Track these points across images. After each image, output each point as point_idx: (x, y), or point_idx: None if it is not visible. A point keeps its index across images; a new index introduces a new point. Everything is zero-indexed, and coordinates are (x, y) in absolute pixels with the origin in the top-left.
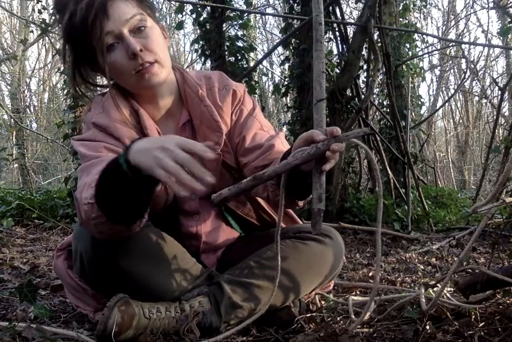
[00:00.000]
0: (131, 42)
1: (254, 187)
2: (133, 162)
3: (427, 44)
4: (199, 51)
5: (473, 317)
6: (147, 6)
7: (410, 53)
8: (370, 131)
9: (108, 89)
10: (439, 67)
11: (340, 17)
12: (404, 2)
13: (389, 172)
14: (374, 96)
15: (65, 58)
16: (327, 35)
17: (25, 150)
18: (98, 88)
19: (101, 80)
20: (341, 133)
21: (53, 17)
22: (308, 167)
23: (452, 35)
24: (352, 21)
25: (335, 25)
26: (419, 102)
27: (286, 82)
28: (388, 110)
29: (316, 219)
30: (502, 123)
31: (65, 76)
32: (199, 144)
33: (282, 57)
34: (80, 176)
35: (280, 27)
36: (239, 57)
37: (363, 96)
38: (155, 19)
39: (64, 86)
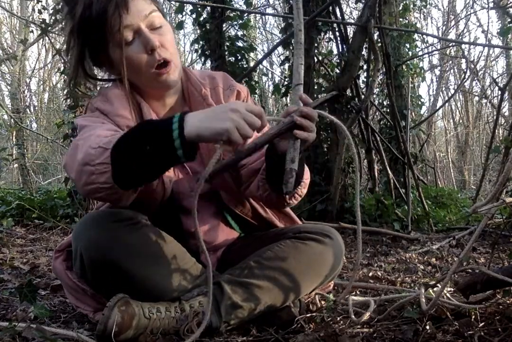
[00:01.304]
0: (150, 37)
1: (237, 162)
2: (195, 135)
3: (427, 44)
4: (199, 51)
5: (473, 317)
6: (158, 3)
7: (410, 53)
8: (337, 93)
9: (111, 83)
10: (439, 67)
11: (340, 17)
12: (404, 2)
13: (389, 171)
14: (374, 96)
15: (68, 50)
16: (327, 35)
17: (25, 150)
18: (98, 83)
19: (104, 75)
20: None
21: (53, 17)
22: (286, 147)
23: (452, 35)
24: (352, 21)
25: (335, 25)
26: (419, 102)
27: (286, 82)
28: (388, 110)
29: (288, 177)
30: (502, 123)
31: (65, 76)
32: (262, 110)
33: (282, 57)
34: (76, 140)
35: (280, 27)
36: (239, 57)
37: (363, 96)
38: (165, 17)
39: (64, 86)
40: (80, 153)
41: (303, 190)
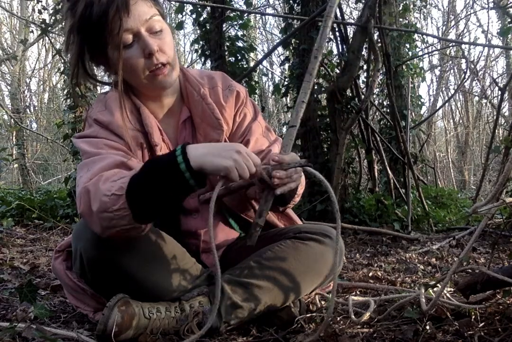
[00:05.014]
0: (149, 42)
1: (224, 195)
2: (199, 166)
3: (427, 44)
4: (199, 51)
5: (473, 317)
6: (160, 6)
7: (410, 53)
8: (306, 164)
9: (110, 87)
10: (439, 67)
11: (340, 17)
12: (404, 2)
13: (389, 172)
14: (374, 96)
15: (68, 46)
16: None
17: (25, 151)
18: (98, 83)
19: (102, 77)
20: (285, 162)
21: (53, 17)
22: (294, 185)
23: (452, 35)
24: (352, 21)
25: (335, 25)
26: (419, 103)
27: (286, 82)
28: (388, 110)
29: (252, 231)
30: (502, 123)
31: (65, 76)
32: (257, 159)
33: (282, 57)
34: (80, 171)
35: (280, 27)
36: (239, 58)
37: (363, 96)
38: (165, 20)
39: (64, 86)
40: (94, 202)
41: (296, 198)
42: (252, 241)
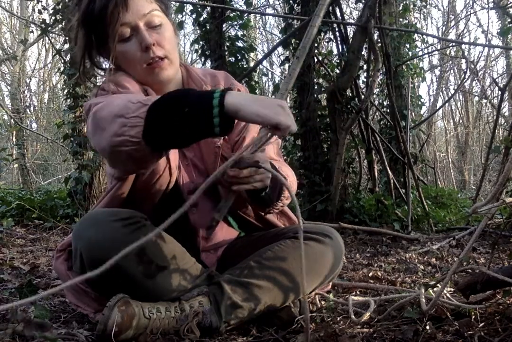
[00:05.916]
0: (146, 35)
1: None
2: (236, 109)
3: (427, 44)
4: (199, 51)
5: (473, 317)
6: (163, 2)
7: (410, 53)
8: (256, 165)
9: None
10: (439, 68)
11: (340, 17)
12: (404, 2)
13: (389, 172)
14: (374, 96)
15: (76, 38)
16: (327, 35)
17: (25, 151)
18: (103, 73)
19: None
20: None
21: (53, 17)
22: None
23: (452, 35)
24: (352, 21)
25: (335, 25)
26: (419, 103)
27: None
28: (388, 110)
29: (209, 224)
30: (502, 123)
31: (65, 76)
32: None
33: (282, 57)
34: (111, 96)
35: (280, 27)
36: (239, 58)
37: (363, 96)
38: (169, 16)
39: (64, 86)
40: (117, 106)
41: (285, 201)
42: (208, 233)
